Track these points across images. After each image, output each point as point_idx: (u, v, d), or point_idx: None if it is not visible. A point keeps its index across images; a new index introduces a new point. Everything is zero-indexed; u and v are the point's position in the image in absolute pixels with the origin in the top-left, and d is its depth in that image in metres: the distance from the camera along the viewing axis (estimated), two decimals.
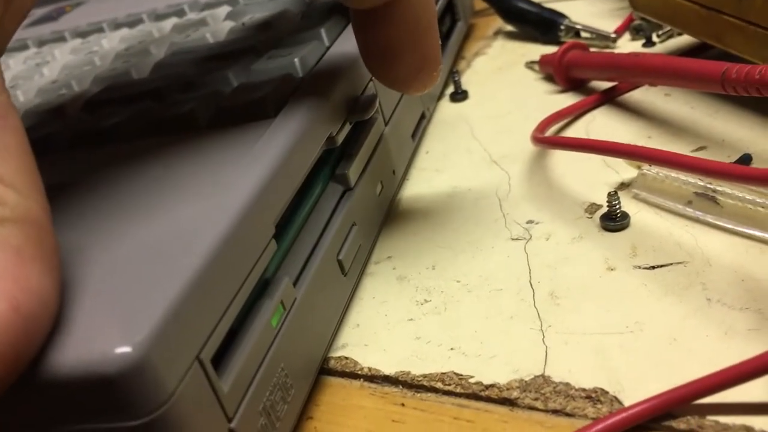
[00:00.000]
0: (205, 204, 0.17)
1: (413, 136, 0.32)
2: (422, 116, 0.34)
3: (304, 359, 0.20)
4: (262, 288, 0.19)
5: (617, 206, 0.24)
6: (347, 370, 0.22)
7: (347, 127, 0.24)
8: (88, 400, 0.13)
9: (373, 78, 0.25)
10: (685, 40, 0.36)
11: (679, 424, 0.17)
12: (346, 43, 0.26)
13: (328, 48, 0.27)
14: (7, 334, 0.12)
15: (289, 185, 0.20)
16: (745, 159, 0.25)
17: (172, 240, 0.16)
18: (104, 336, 0.13)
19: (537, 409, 0.19)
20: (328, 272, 0.22)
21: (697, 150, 0.27)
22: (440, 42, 0.23)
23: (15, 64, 0.36)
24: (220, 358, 0.16)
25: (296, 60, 0.25)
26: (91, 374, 0.13)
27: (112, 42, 0.35)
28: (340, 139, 0.23)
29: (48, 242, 0.14)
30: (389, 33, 0.21)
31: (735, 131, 0.27)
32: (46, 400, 0.14)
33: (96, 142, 0.23)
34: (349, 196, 0.24)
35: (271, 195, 0.18)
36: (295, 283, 0.20)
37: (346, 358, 0.22)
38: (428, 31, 0.22)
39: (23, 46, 0.39)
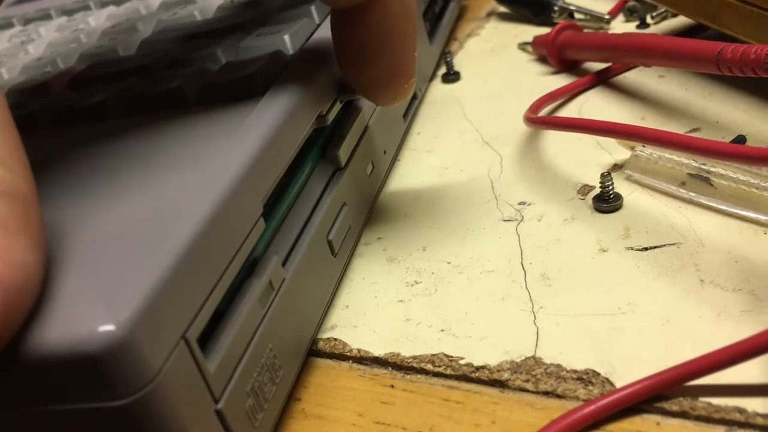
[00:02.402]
0: (191, 181, 0.17)
1: (404, 116, 0.32)
2: (414, 97, 0.33)
3: (292, 340, 0.20)
4: (251, 268, 0.18)
5: (610, 187, 0.24)
6: (336, 352, 0.21)
7: (337, 107, 0.24)
8: (71, 379, 0.13)
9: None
10: (679, 21, 0.35)
11: (671, 405, 0.17)
12: None
13: (318, 26, 0.26)
14: None
15: (278, 163, 0.20)
16: (739, 140, 0.25)
17: (158, 217, 0.16)
18: (88, 314, 0.13)
19: (528, 391, 0.19)
20: (317, 253, 0.22)
21: (691, 131, 0.27)
22: (416, 56, 0.22)
23: (0, 41, 0.35)
24: (206, 338, 0.16)
25: (286, 37, 0.24)
26: (74, 352, 0.13)
27: (98, 20, 0.34)
28: (330, 117, 0.23)
29: (34, 217, 0.14)
30: (362, 35, 0.21)
31: (729, 113, 0.27)
32: (28, 379, 0.13)
33: (81, 119, 0.23)
34: (339, 176, 0.24)
35: (259, 172, 0.18)
36: (284, 263, 0.20)
37: (335, 339, 0.22)
38: (403, 40, 0.22)
39: (8, 24, 0.38)
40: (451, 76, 0.37)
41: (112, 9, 0.35)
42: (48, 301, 0.14)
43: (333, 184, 0.23)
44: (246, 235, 0.17)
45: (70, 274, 0.14)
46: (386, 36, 0.21)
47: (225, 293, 0.16)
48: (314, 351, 0.22)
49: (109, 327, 0.13)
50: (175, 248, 0.15)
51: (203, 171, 0.17)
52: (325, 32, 0.25)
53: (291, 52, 0.24)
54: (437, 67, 0.38)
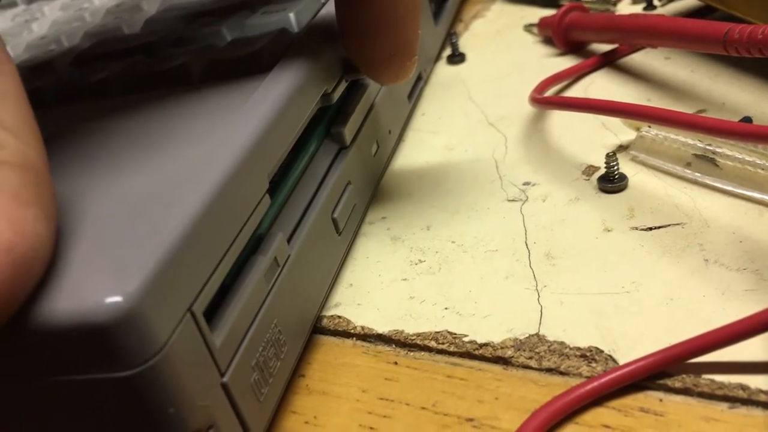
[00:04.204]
0: (198, 155, 0.17)
1: (409, 97, 0.31)
2: (419, 78, 0.33)
3: (297, 317, 0.20)
4: (256, 244, 0.18)
5: (615, 168, 0.24)
6: (340, 329, 0.21)
7: (343, 85, 0.24)
8: (80, 349, 0.13)
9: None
10: (686, 2, 0.35)
11: (674, 382, 0.17)
12: None
13: (323, 4, 0.26)
14: None
15: (284, 139, 0.19)
16: (747, 121, 0.25)
17: (164, 191, 0.16)
18: (96, 285, 0.13)
19: (531, 368, 0.19)
20: (322, 230, 0.22)
21: (697, 113, 0.27)
22: (419, 34, 0.22)
23: (3, 21, 0.35)
24: (212, 313, 0.16)
25: (291, 15, 0.24)
26: (83, 323, 0.13)
27: None
28: (336, 96, 0.23)
29: (45, 189, 0.14)
30: (368, 11, 0.21)
31: (735, 94, 0.27)
32: (36, 350, 0.13)
33: (86, 96, 0.23)
34: (344, 155, 0.24)
35: (265, 148, 0.18)
36: (289, 240, 0.20)
37: (339, 317, 0.22)
38: (408, 17, 0.22)
39: (12, 3, 0.38)
40: (457, 58, 0.36)
41: None
42: (57, 272, 0.14)
43: (338, 163, 0.23)
44: (252, 210, 0.17)
45: (79, 247, 0.14)
46: (391, 12, 0.21)
47: (231, 268, 0.17)
48: (318, 328, 0.22)
49: (116, 298, 0.13)
50: (182, 222, 0.15)
51: (209, 146, 0.17)
52: (330, 10, 0.25)
53: (296, 29, 0.24)
54: (442, 48, 0.38)
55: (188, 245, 0.14)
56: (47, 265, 0.14)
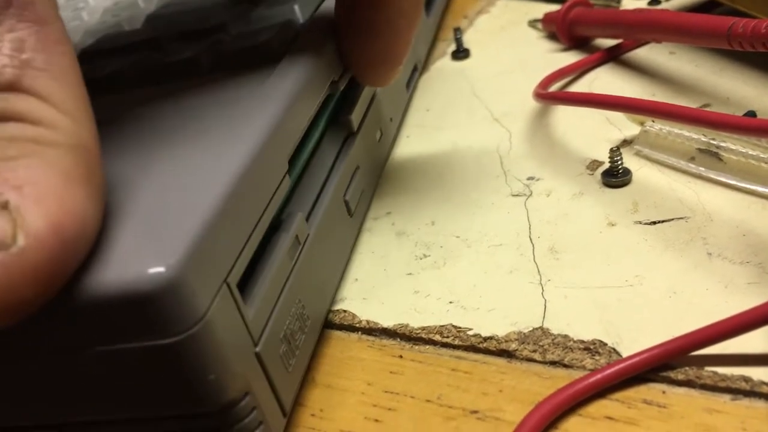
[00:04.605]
0: (224, 139, 0.18)
1: (407, 86, 0.33)
2: (414, 68, 0.34)
3: (317, 293, 0.21)
4: (278, 223, 0.19)
5: (619, 162, 0.24)
6: (346, 323, 0.22)
7: (348, 74, 0.24)
8: (125, 318, 0.14)
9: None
10: None
11: (677, 374, 0.17)
12: None
13: None
14: (44, 252, 0.12)
15: (299, 124, 0.20)
16: (750, 116, 0.25)
17: (197, 172, 0.16)
18: (140, 257, 0.14)
19: (535, 361, 0.19)
20: (336, 211, 0.22)
21: (701, 107, 0.27)
22: (411, 47, 0.23)
23: None
24: (244, 286, 0.17)
25: (295, 7, 0.24)
26: (128, 293, 0.13)
27: None
28: (343, 84, 0.24)
29: (95, 169, 0.14)
30: (371, 13, 0.22)
31: (740, 89, 0.27)
32: (84, 320, 0.14)
33: (95, 91, 0.23)
34: (352, 141, 0.24)
35: (283, 132, 0.19)
36: (307, 220, 0.20)
37: (345, 311, 0.22)
38: (407, 25, 0.22)
39: None
40: (461, 54, 0.37)
41: None
42: (103, 247, 0.14)
43: (347, 148, 0.24)
44: (275, 189, 0.18)
45: (122, 222, 0.15)
46: (394, 17, 0.22)
47: (258, 244, 0.17)
48: (325, 322, 0.22)
49: (160, 269, 0.13)
50: (216, 199, 0.15)
51: (234, 130, 0.18)
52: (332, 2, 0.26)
53: (301, 20, 0.24)
54: (447, 44, 0.38)
55: (222, 221, 0.15)
56: (93, 243, 0.14)
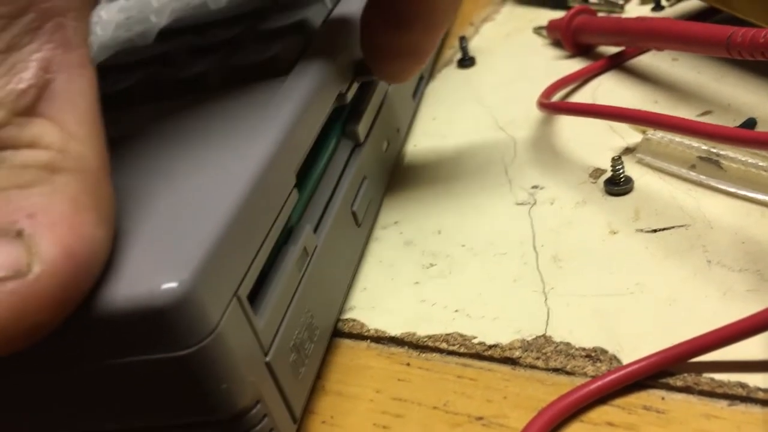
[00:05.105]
0: (232, 155, 0.18)
1: (414, 95, 0.33)
2: (421, 77, 0.35)
3: (326, 302, 0.21)
4: (287, 236, 0.20)
5: (621, 171, 0.24)
6: (354, 332, 0.22)
7: (355, 87, 0.25)
8: (138, 332, 0.14)
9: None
10: (693, 3, 0.35)
11: (675, 381, 0.18)
12: (348, 6, 0.27)
13: (331, 10, 0.27)
14: (58, 277, 0.13)
15: (307, 137, 0.21)
16: (750, 123, 0.25)
17: (206, 188, 0.17)
18: (152, 273, 0.14)
19: (538, 368, 0.19)
20: (343, 222, 0.23)
21: (703, 114, 0.27)
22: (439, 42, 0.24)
23: None
24: (254, 298, 0.17)
25: (303, 21, 0.25)
26: (141, 307, 0.14)
27: (109, 13, 0.35)
28: (349, 96, 0.24)
29: (104, 193, 0.14)
30: (410, 8, 0.22)
31: (741, 95, 0.28)
32: (98, 334, 0.14)
33: (107, 106, 0.24)
34: (359, 152, 0.25)
35: (291, 146, 0.19)
36: (315, 231, 0.21)
37: (354, 320, 0.23)
38: (443, 19, 0.22)
39: None
40: (467, 62, 0.37)
41: (122, 2, 0.36)
42: (116, 263, 0.15)
43: (354, 160, 0.25)
44: (283, 203, 0.19)
45: (133, 239, 0.16)
46: (435, 8, 0.22)
47: (267, 257, 0.18)
48: (334, 331, 0.22)
49: (172, 284, 0.14)
50: (225, 214, 0.16)
51: (242, 145, 0.18)
52: (337, 14, 0.26)
53: (308, 35, 0.25)
54: (453, 52, 0.39)
55: (232, 235, 0.16)
56: (105, 265, 0.14)
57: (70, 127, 0.14)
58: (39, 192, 0.13)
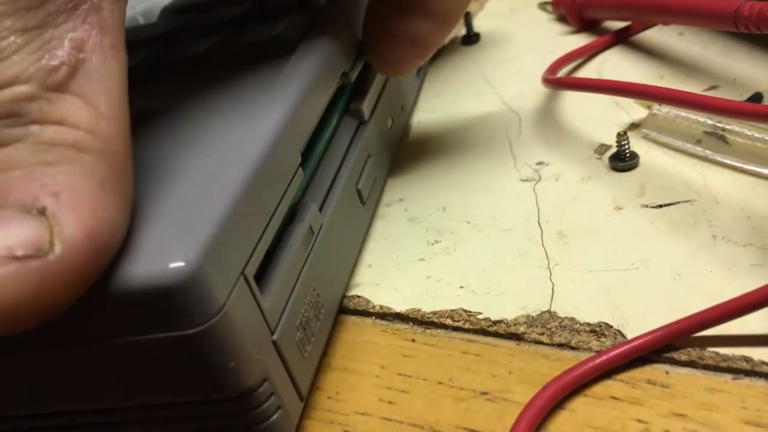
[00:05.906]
0: (239, 134, 0.18)
1: (417, 73, 0.33)
2: None
3: (331, 281, 0.21)
4: (292, 214, 0.20)
5: (626, 146, 0.24)
6: (360, 309, 0.22)
7: (359, 65, 0.25)
8: (147, 311, 0.14)
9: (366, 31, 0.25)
10: None
11: (680, 355, 0.18)
12: None
13: None
14: (78, 259, 0.13)
15: (311, 116, 0.21)
16: (757, 97, 0.25)
17: (213, 168, 0.17)
18: (160, 253, 0.14)
19: (543, 343, 0.19)
20: (348, 200, 0.23)
21: (709, 89, 0.27)
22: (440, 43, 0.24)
23: None
24: (260, 277, 0.17)
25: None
26: (150, 287, 0.14)
27: None
28: (354, 75, 0.24)
29: (127, 178, 0.15)
30: None
31: (747, 70, 0.27)
32: (108, 314, 0.15)
33: None
34: (364, 130, 0.25)
35: (296, 125, 0.19)
36: (320, 210, 0.21)
37: (359, 296, 0.23)
38: (457, 11, 0.22)
39: None
40: (471, 38, 0.37)
41: None
42: (126, 243, 0.15)
43: (358, 138, 0.25)
44: (288, 182, 0.19)
45: (142, 217, 0.16)
46: (444, 5, 0.22)
47: (273, 236, 0.18)
48: (339, 308, 0.23)
49: (180, 263, 0.14)
50: (232, 194, 0.16)
51: (248, 124, 0.18)
52: None
53: (313, 14, 0.25)
54: (457, 28, 0.38)
55: (239, 215, 0.16)
56: (119, 249, 0.14)
57: (100, 107, 0.14)
58: (65, 171, 0.13)
